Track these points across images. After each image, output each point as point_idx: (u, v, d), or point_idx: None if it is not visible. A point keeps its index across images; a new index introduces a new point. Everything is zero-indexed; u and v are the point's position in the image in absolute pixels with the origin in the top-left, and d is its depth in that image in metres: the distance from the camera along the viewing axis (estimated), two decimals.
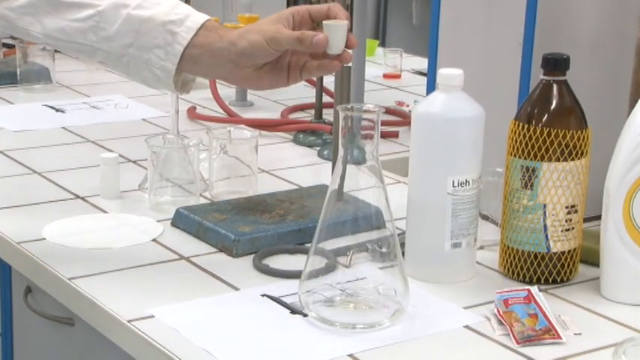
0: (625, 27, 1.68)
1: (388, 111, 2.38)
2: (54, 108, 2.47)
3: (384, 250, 1.30)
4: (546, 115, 1.37)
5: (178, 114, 1.93)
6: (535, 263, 1.41)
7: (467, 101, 1.41)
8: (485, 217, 1.56)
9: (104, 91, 2.68)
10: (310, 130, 2.30)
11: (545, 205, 1.38)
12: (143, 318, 1.29)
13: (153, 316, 1.30)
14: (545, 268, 1.41)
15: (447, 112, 1.40)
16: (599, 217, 1.40)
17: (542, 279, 1.41)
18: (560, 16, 1.63)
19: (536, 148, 1.37)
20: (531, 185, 1.38)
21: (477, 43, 1.75)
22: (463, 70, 1.42)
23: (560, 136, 1.36)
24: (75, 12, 1.44)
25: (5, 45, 2.94)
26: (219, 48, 1.43)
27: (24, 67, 2.66)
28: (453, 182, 1.39)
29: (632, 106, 1.41)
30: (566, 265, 1.42)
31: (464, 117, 1.40)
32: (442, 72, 1.41)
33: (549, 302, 1.30)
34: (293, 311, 1.32)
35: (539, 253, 1.40)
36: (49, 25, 1.46)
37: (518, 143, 1.39)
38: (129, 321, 1.29)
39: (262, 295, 1.38)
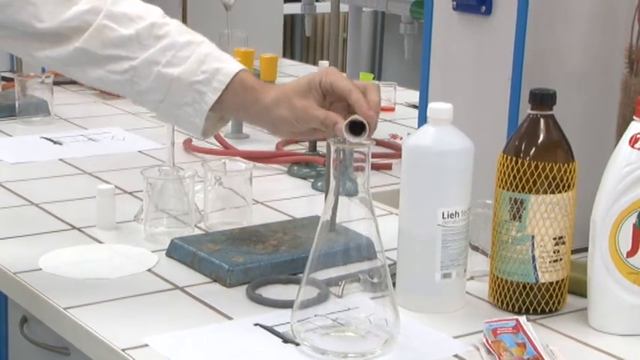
0: (611, 62, 1.68)
1: (382, 143, 2.41)
2: (52, 140, 2.48)
3: (375, 280, 1.30)
4: (534, 149, 1.38)
5: (174, 146, 1.93)
6: (524, 294, 1.42)
7: (456, 135, 1.42)
8: (475, 248, 1.56)
9: (101, 124, 2.69)
10: (304, 163, 2.29)
11: (533, 237, 1.38)
12: (138, 347, 1.30)
13: (147, 345, 1.30)
14: (534, 298, 1.41)
15: (437, 145, 1.41)
16: (586, 249, 1.41)
17: (531, 309, 1.41)
18: (548, 51, 1.65)
19: (524, 181, 1.37)
20: (520, 217, 1.38)
21: (466, 77, 1.76)
22: (453, 105, 1.43)
23: (548, 169, 1.36)
24: (113, 64, 1.50)
25: (4, 78, 2.96)
26: (254, 112, 1.48)
27: (22, 100, 2.67)
28: (443, 214, 1.39)
29: (618, 139, 1.41)
30: (554, 295, 1.43)
31: (453, 150, 1.41)
32: (432, 106, 1.42)
33: (537, 332, 1.30)
34: (285, 340, 1.32)
35: (528, 283, 1.41)
36: (90, 75, 1.54)
37: (506, 176, 1.40)
38: (123, 350, 1.29)
39: (255, 325, 1.37)
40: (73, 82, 3.06)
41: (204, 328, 1.39)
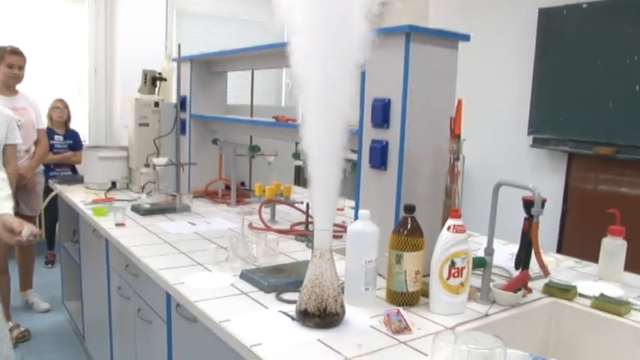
0: (439, 193, 1.67)
1: (341, 225, 2.34)
2: (191, 223, 2.46)
3: None
4: (406, 231, 1.43)
5: (244, 227, 1.97)
6: (401, 296, 1.47)
7: (371, 225, 1.46)
8: (380, 275, 1.57)
9: (212, 215, 2.62)
10: (303, 235, 2.26)
11: (406, 271, 1.45)
12: (224, 321, 1.36)
13: (229, 320, 1.36)
14: (406, 298, 1.47)
15: (362, 229, 1.46)
16: (428, 275, 1.44)
17: (405, 303, 1.46)
18: (411, 188, 1.63)
19: (402, 245, 1.43)
20: (399, 262, 1.45)
21: (375, 198, 1.73)
22: (369, 210, 1.47)
23: (412, 240, 1.43)
24: None
25: (172, 195, 2.85)
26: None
27: (179, 205, 2.68)
28: (365, 260, 1.45)
29: (442, 227, 1.45)
30: (414, 296, 1.48)
31: (369, 232, 1.45)
32: (361, 211, 1.47)
33: (407, 314, 1.36)
34: (293, 319, 1.36)
35: (403, 291, 1.46)
36: None
37: (394, 243, 1.45)
38: (220, 322, 1.35)
39: (279, 311, 1.42)
40: (202, 196, 3.07)
41: (255, 312, 1.43)
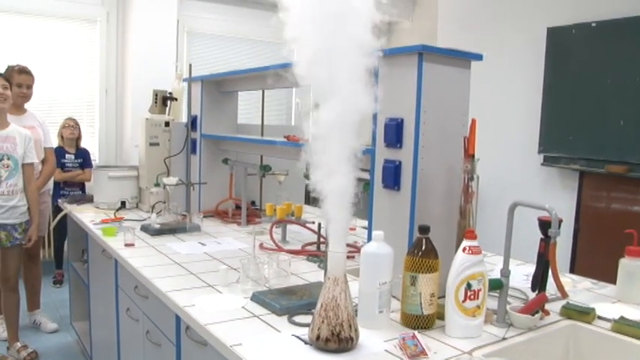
0: (454, 214, 1.65)
1: (354, 245, 2.31)
2: (201, 243, 2.45)
3: None
4: (420, 252, 1.42)
5: (255, 247, 1.94)
6: (416, 319, 1.45)
7: (385, 246, 1.44)
8: (395, 297, 1.55)
9: (222, 235, 2.61)
10: (314, 255, 2.24)
11: (420, 293, 1.43)
12: (235, 345, 1.34)
13: (241, 344, 1.34)
14: (421, 321, 1.44)
15: (376, 251, 1.44)
16: (444, 296, 1.42)
17: (420, 326, 1.44)
18: (425, 208, 1.61)
19: (417, 267, 1.42)
20: (414, 284, 1.43)
21: (386, 219, 1.70)
22: (382, 231, 1.46)
23: (427, 262, 1.41)
24: None
25: (183, 215, 2.87)
26: None
27: (189, 225, 2.68)
28: (379, 282, 1.43)
29: (457, 248, 1.44)
30: (430, 319, 1.45)
31: (383, 253, 1.44)
32: (375, 232, 1.46)
33: (423, 338, 1.33)
34: (305, 343, 1.34)
35: (418, 314, 1.44)
36: None
37: (409, 264, 1.43)
38: (230, 346, 1.34)
39: (292, 335, 1.40)
40: (213, 215, 3.06)
41: (267, 336, 1.41)
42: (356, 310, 1.45)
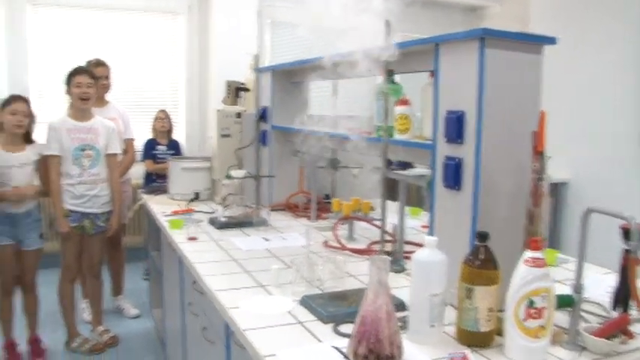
0: (519, 218, 1.47)
1: (413, 242, 2.19)
2: (265, 238, 2.40)
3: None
4: (478, 262, 1.31)
5: (309, 246, 1.87)
6: (471, 336, 1.33)
7: (434, 252, 1.34)
8: (453, 306, 1.43)
9: (289, 231, 2.54)
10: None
11: (477, 307, 1.30)
12: (269, 355, 1.27)
13: (274, 355, 1.28)
14: (477, 338, 1.32)
15: (429, 257, 1.34)
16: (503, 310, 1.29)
17: (476, 344, 1.32)
18: (489, 210, 1.49)
19: (473, 278, 1.30)
20: (470, 297, 1.31)
21: (448, 222, 1.59)
22: (441, 234, 1.38)
23: (485, 273, 1.30)
24: None
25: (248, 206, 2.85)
26: None
27: (256, 219, 2.65)
28: (431, 293, 1.33)
29: (519, 256, 1.29)
30: (487, 337, 1.33)
31: (437, 261, 1.34)
32: (427, 238, 1.36)
33: (475, 357, 1.25)
34: (345, 357, 1.24)
35: (474, 331, 1.32)
36: None
37: (465, 274, 1.32)
38: (265, 356, 1.27)
39: (332, 347, 1.30)
40: (283, 209, 3.00)
41: (306, 347, 1.33)
42: (405, 322, 1.36)
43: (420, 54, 1.72)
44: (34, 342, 3.31)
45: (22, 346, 3.29)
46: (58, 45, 4.91)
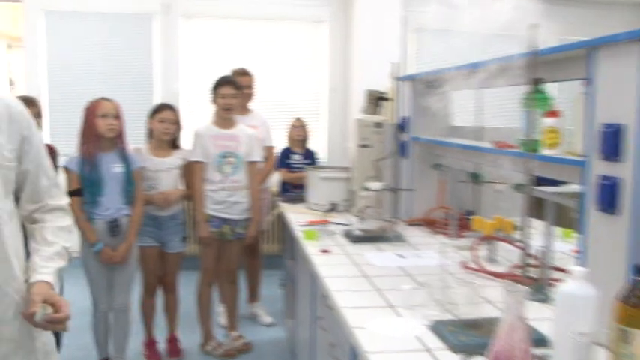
0: None
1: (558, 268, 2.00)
2: (400, 255, 2.36)
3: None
4: (635, 299, 1.13)
5: (443, 266, 1.81)
6: None
7: (582, 285, 1.22)
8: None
9: (426, 248, 2.47)
10: (519, 281, 1.98)
11: (634, 355, 1.13)
12: None
13: None
14: None
15: (575, 291, 1.23)
16: None
17: None
18: None
19: (630, 319, 1.14)
20: (627, 341, 1.14)
21: (600, 251, 1.44)
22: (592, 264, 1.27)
23: None
24: None
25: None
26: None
27: (392, 234, 2.61)
28: (577, 332, 1.18)
29: None
30: None
31: (584, 295, 1.22)
32: (575, 269, 1.24)
33: None
34: None
35: None
36: None
37: (620, 314, 1.16)
38: None
39: None
40: (421, 224, 2.94)
41: None
42: None
43: (573, 60, 1.59)
44: (172, 341, 3.51)
45: (161, 344, 3.50)
46: (205, 55, 5.24)
